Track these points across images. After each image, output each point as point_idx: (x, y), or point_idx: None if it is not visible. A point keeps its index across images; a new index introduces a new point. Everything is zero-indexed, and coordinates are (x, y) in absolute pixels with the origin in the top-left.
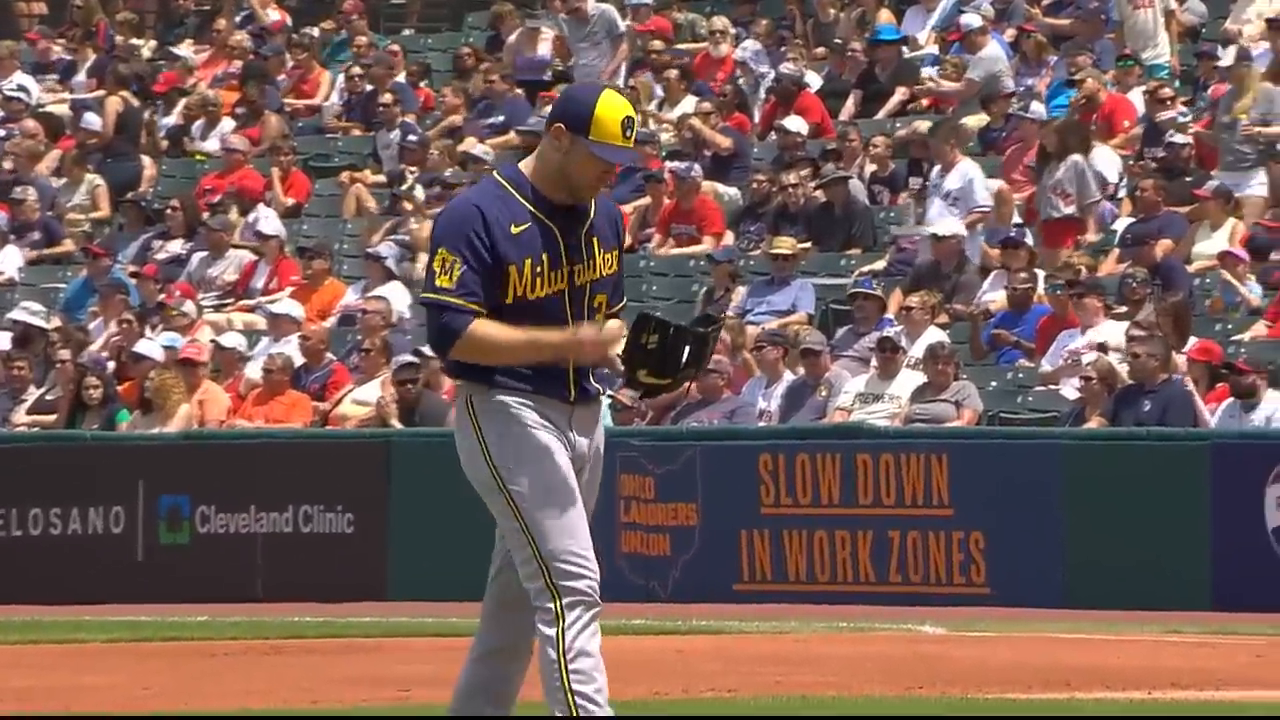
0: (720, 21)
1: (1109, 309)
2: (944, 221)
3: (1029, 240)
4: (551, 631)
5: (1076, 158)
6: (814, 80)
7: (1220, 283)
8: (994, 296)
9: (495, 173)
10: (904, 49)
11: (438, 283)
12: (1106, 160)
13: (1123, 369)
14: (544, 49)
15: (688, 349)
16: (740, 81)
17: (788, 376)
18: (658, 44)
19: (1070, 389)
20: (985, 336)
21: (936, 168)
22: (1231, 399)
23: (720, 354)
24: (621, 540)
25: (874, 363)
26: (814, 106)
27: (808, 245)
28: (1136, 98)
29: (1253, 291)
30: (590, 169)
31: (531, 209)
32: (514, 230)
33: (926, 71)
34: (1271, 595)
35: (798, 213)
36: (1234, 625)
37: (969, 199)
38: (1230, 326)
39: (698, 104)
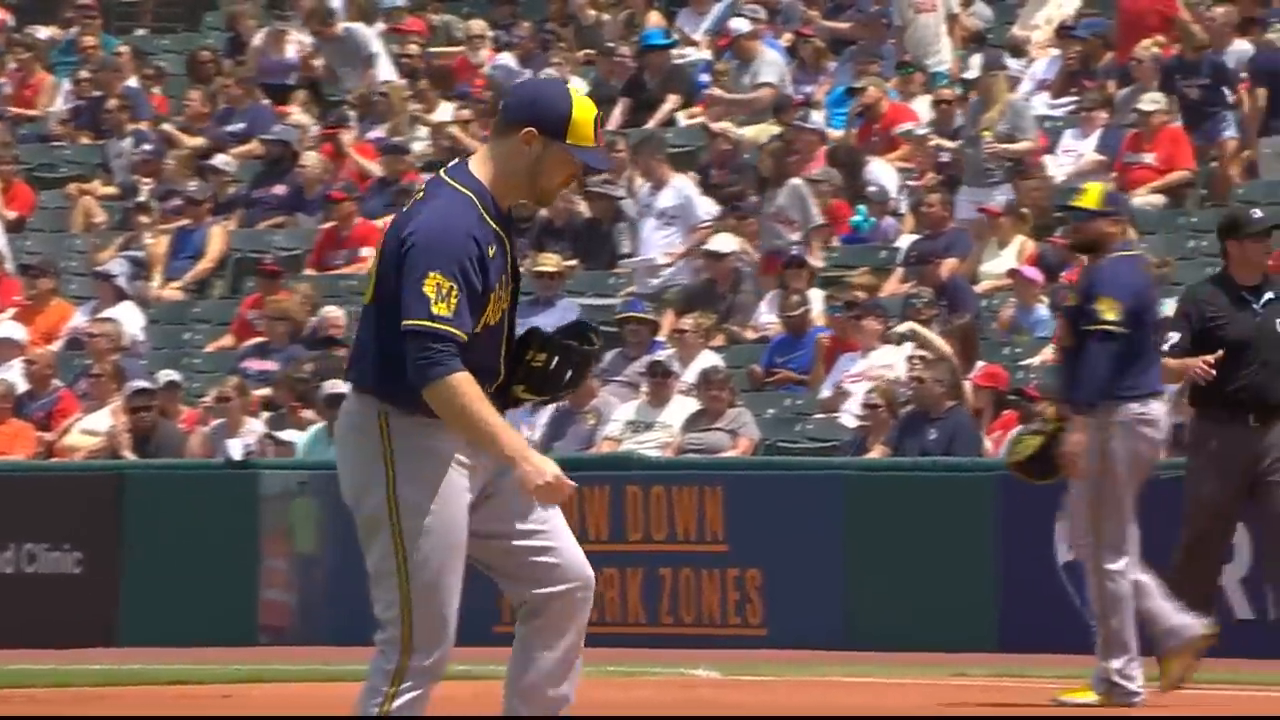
0: (478, 25)
1: (890, 329)
2: (719, 239)
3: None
4: (381, 679)
5: (796, 182)
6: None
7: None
8: (772, 319)
9: (449, 179)
10: (675, 54)
11: (434, 309)
12: (883, 174)
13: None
14: (291, 51)
15: (572, 368)
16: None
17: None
18: (414, 47)
19: (851, 417)
20: (764, 361)
21: (646, 186)
22: (1019, 427)
23: None
24: None
25: (644, 389)
26: None
27: (573, 263)
28: (921, 107)
29: (1040, 315)
30: (562, 173)
31: (494, 225)
32: (490, 254)
33: (704, 79)
34: (1061, 636)
35: (563, 227)
36: (1022, 668)
37: (689, 216)
38: (1019, 350)
39: (456, 111)
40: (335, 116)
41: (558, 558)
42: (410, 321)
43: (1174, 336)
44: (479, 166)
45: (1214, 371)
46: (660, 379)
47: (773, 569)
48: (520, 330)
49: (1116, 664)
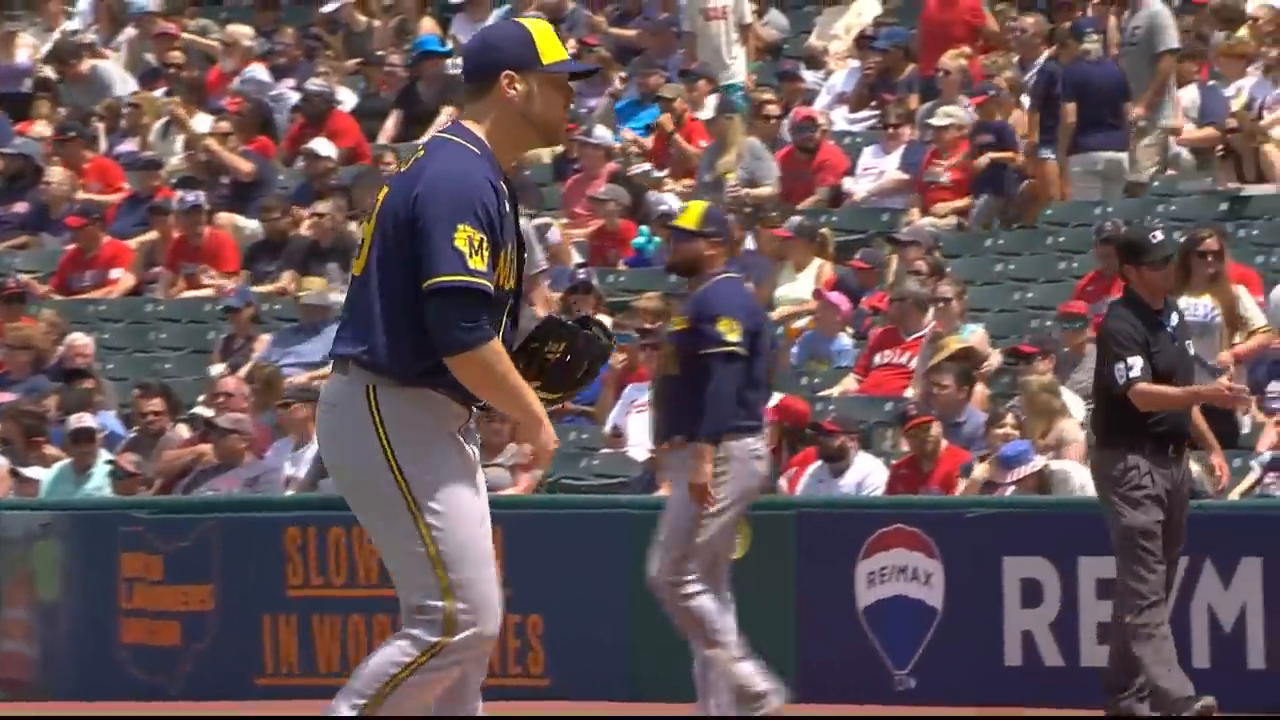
0: (237, 31)
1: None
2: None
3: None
4: (411, 652)
5: (525, 225)
6: (348, 98)
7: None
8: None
9: (452, 136)
10: (451, 64)
11: (470, 263)
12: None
13: None
14: (23, 56)
15: (589, 361)
16: (262, 97)
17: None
18: (176, 54)
19: (640, 450)
20: None
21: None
22: (819, 462)
23: (243, 411)
24: (123, 629)
25: None
26: (348, 128)
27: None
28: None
29: (843, 344)
30: (559, 98)
31: (503, 184)
32: (506, 209)
33: None
34: (862, 683)
35: (330, 250)
36: (822, 715)
37: None
38: (817, 381)
39: (214, 123)
40: (80, 128)
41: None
42: (444, 278)
43: (1137, 362)
44: (475, 127)
45: (1244, 397)
46: None
47: (554, 615)
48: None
49: (737, 672)
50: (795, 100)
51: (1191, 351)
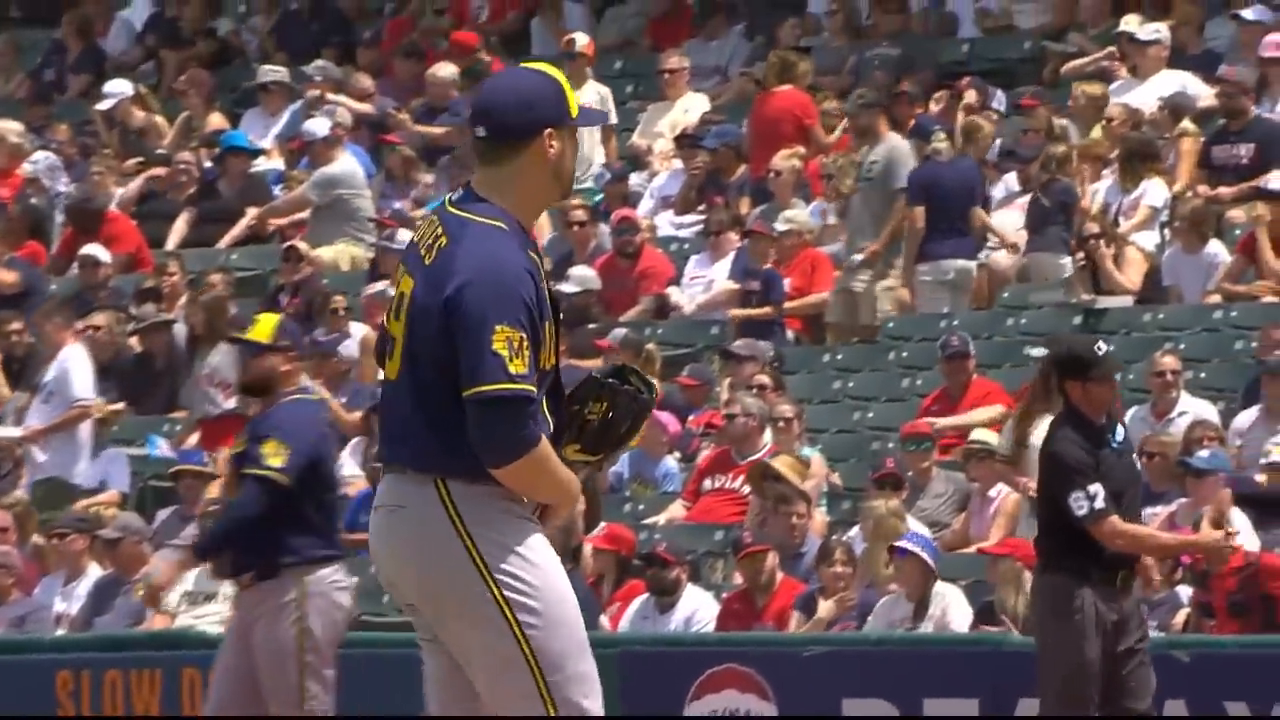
0: (5, 126)
1: None
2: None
3: None
4: None
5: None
6: (125, 199)
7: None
8: (357, 471)
9: (472, 215)
10: (254, 161)
11: (512, 368)
12: None
13: None
14: None
15: (631, 419)
16: (33, 200)
17: (94, 571)
18: None
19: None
20: (347, 521)
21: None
22: (646, 596)
23: (7, 543)
24: None
25: None
26: (127, 232)
27: (119, 406)
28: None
29: (669, 467)
30: (574, 151)
31: (533, 255)
32: (544, 288)
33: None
34: None
35: (108, 366)
36: None
37: (65, 392)
38: (643, 507)
39: None
40: None
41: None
42: (485, 388)
43: (1098, 490)
44: (493, 194)
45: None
46: None
47: None
48: None
49: None
50: (616, 203)
51: (1138, 467)
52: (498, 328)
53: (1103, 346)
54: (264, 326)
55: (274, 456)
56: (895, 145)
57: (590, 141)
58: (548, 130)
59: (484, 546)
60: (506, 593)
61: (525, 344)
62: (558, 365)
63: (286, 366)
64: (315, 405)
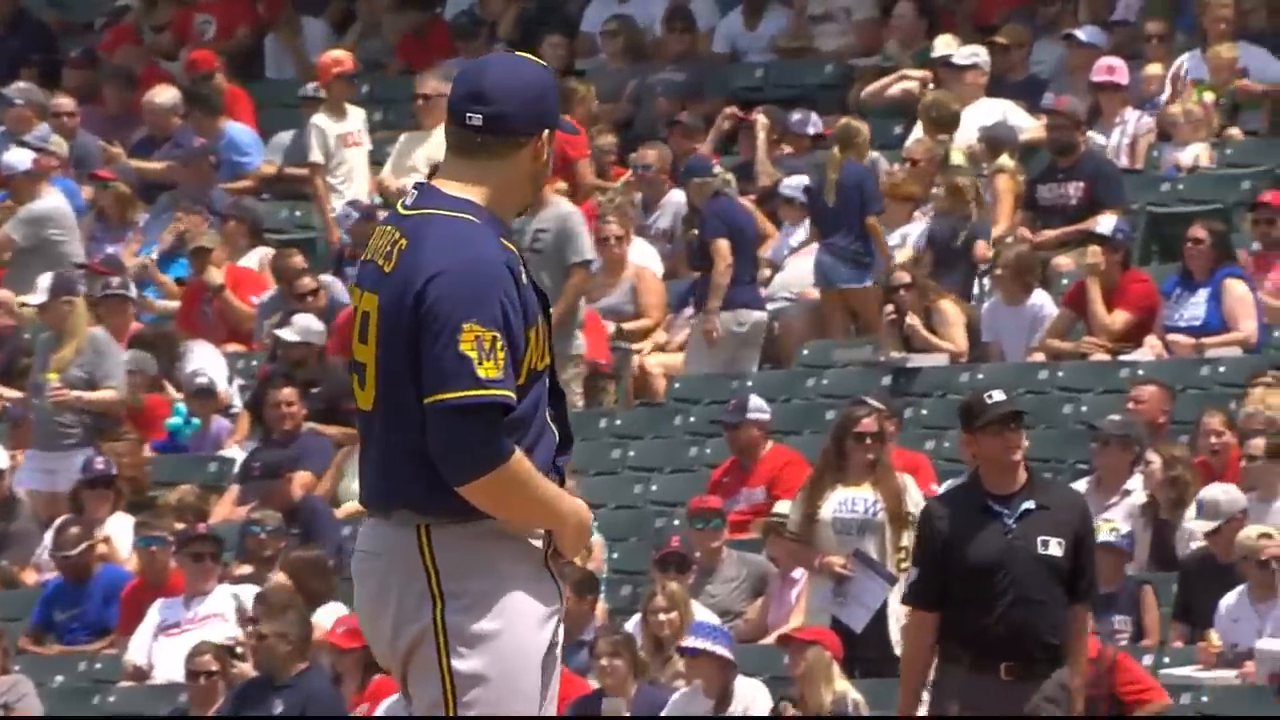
0: None
1: (228, 567)
2: None
3: None
4: None
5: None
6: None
7: None
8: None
9: (441, 210)
10: None
11: (481, 372)
12: (209, 360)
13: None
14: None
15: None
16: None
17: None
18: None
19: (184, 692)
20: (36, 618)
21: None
22: (396, 696)
23: None
24: None
25: None
26: None
27: None
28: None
29: None
30: (551, 154)
31: (512, 248)
32: (524, 281)
33: None
34: None
35: None
36: None
37: None
38: None
39: None
40: None
41: None
42: (449, 395)
43: (913, 573)
44: (465, 190)
45: None
46: None
47: None
48: None
49: None
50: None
51: (1043, 551)
52: (466, 325)
53: (995, 394)
54: None
55: None
56: (567, 213)
57: (353, 164)
58: (546, 131)
59: (451, 615)
60: (450, 648)
61: (499, 344)
62: (552, 365)
63: None
64: None
